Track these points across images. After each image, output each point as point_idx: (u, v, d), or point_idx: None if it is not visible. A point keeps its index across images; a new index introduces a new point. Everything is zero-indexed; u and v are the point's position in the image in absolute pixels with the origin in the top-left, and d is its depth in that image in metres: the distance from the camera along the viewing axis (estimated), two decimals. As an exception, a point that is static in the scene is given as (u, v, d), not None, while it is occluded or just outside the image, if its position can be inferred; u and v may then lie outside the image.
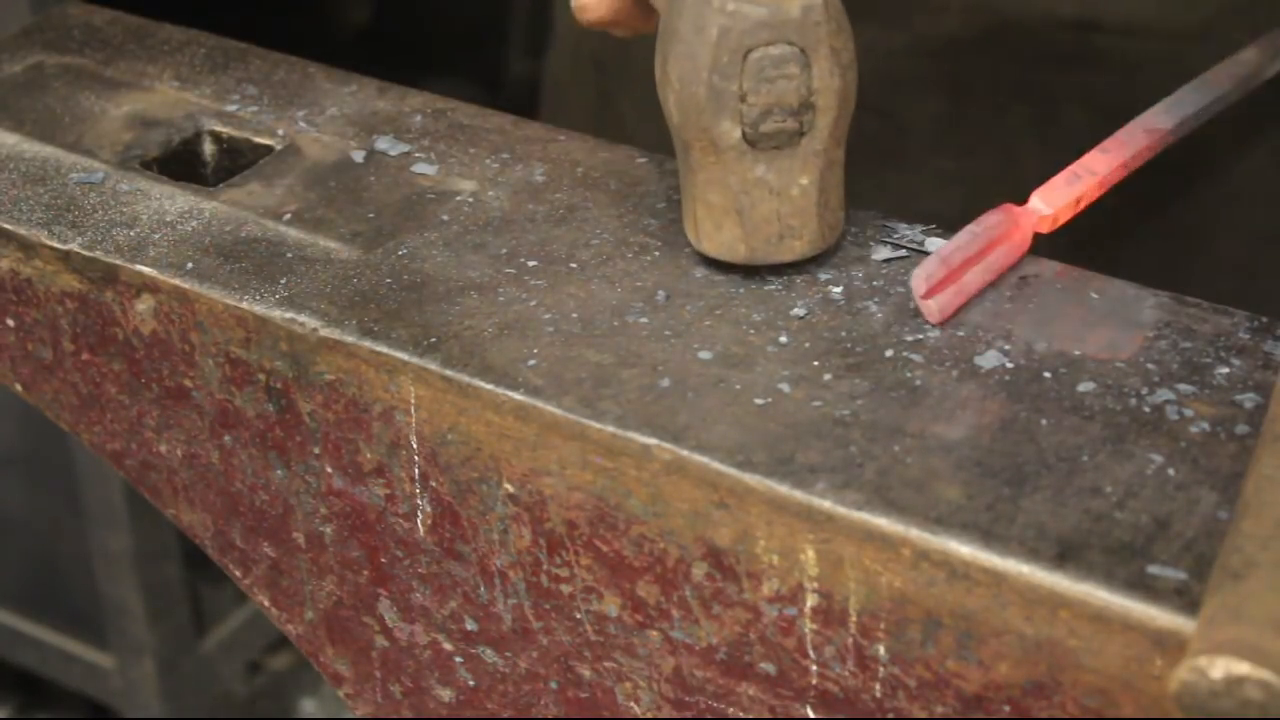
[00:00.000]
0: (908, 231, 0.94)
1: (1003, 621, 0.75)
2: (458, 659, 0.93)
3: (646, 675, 0.87)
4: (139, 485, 1.01)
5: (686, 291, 0.91)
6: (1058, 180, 0.94)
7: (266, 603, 1.00)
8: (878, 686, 0.80)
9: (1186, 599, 0.72)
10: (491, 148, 1.04)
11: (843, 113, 0.90)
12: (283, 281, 0.93)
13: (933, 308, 0.87)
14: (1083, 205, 0.95)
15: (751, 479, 0.79)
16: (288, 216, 0.98)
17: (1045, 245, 0.94)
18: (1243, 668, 0.64)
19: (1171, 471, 0.79)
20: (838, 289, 0.91)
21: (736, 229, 0.90)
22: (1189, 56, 1.09)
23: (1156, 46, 1.16)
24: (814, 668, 0.81)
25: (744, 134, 0.89)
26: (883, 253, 0.93)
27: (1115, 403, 0.83)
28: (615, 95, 1.36)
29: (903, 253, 0.93)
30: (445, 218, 0.98)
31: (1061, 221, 0.94)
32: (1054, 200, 0.93)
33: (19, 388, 1.03)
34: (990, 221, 0.91)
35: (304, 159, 1.03)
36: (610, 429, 0.82)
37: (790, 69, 0.87)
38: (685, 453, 0.81)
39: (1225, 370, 0.85)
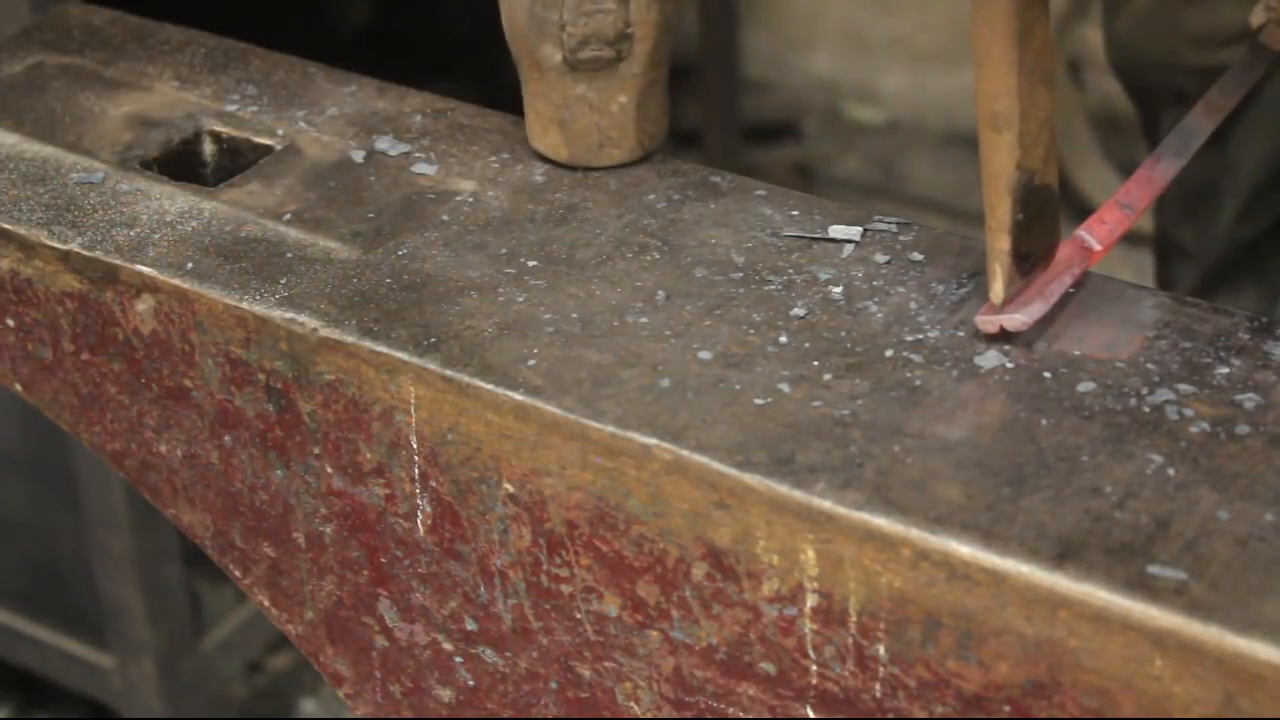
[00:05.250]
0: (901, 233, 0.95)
1: (1003, 621, 0.75)
2: (458, 659, 0.93)
3: (646, 675, 0.87)
4: (139, 485, 1.01)
5: (686, 291, 0.91)
6: (1108, 214, 0.93)
7: (266, 603, 1.00)
8: (878, 686, 0.80)
9: (1186, 599, 0.72)
10: (491, 148, 1.04)
11: (662, 39, 0.98)
12: (283, 281, 0.93)
13: (1019, 318, 0.86)
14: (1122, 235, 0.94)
15: (751, 479, 0.79)
16: (288, 216, 0.98)
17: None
18: None
19: (1171, 471, 0.79)
20: (838, 289, 0.91)
21: (559, 136, 1.00)
22: None
23: None
24: (814, 668, 0.81)
25: (564, 58, 0.97)
26: (883, 253, 0.93)
27: (1115, 403, 0.83)
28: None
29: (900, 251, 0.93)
30: (445, 218, 0.98)
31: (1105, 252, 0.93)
32: (1105, 237, 0.92)
33: (19, 388, 1.03)
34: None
35: (304, 159, 1.03)
36: (610, 429, 0.82)
37: (607, 4, 0.96)
38: (685, 453, 0.81)
39: (1225, 370, 0.84)
